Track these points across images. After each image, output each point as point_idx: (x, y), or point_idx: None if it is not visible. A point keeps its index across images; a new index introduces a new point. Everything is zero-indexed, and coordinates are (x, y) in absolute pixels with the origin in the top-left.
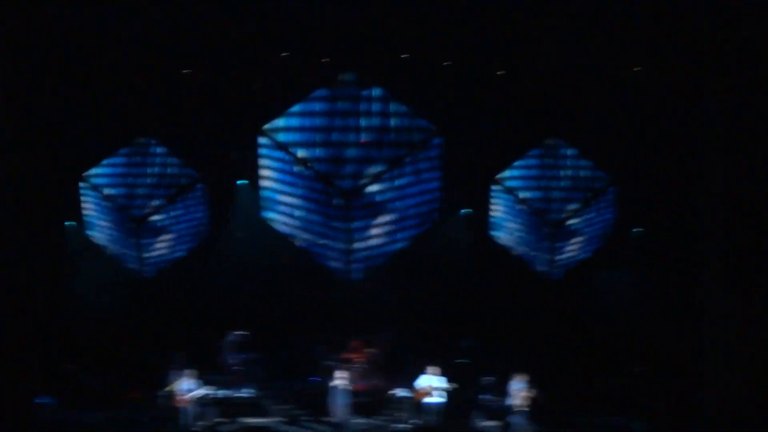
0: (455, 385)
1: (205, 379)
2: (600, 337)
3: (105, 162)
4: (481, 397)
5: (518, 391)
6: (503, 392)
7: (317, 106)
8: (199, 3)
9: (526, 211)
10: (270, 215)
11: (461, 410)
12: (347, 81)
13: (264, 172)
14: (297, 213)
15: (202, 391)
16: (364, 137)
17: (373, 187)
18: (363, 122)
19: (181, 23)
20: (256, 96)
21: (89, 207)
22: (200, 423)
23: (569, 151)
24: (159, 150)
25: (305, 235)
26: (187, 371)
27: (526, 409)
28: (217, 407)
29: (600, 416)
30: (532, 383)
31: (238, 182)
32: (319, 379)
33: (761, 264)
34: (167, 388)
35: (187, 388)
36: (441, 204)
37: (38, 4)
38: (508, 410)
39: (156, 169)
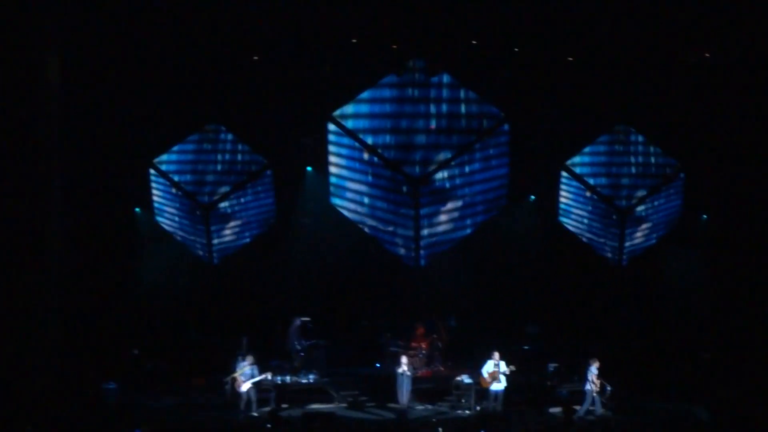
0: (513, 368)
1: (266, 365)
2: (667, 324)
3: (174, 149)
4: (549, 383)
5: (593, 376)
6: (570, 378)
7: (386, 93)
8: None
9: (594, 198)
10: (338, 202)
11: (524, 396)
12: (416, 67)
13: (332, 159)
14: (365, 200)
15: (261, 377)
16: (432, 124)
17: (441, 174)
18: (432, 109)
19: (251, 10)
20: (325, 83)
21: (158, 193)
22: (261, 408)
23: (638, 138)
24: (228, 137)
25: (373, 222)
26: (248, 357)
27: (598, 393)
28: (278, 393)
29: (665, 402)
30: (602, 369)
31: (307, 169)
32: (379, 366)
33: None
34: (231, 375)
35: (249, 373)
36: (509, 190)
37: None
38: (585, 394)
39: (225, 156)
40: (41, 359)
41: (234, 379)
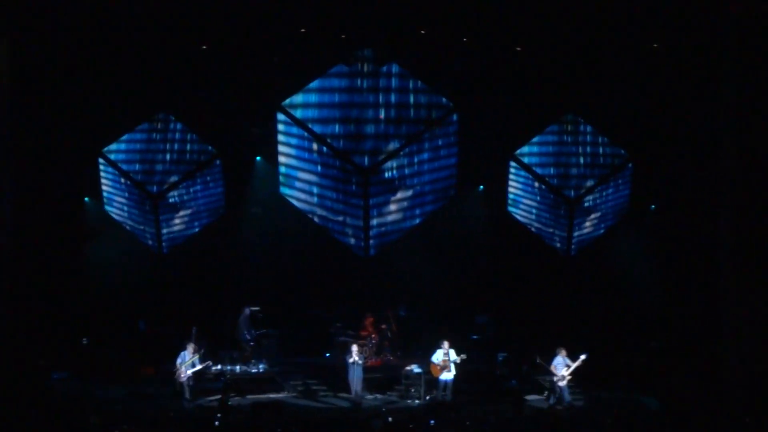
0: (464, 356)
1: (216, 355)
2: (615, 314)
3: (123, 138)
4: (498, 373)
5: (563, 366)
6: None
7: (335, 83)
8: None
9: (542, 188)
10: (287, 191)
11: (474, 385)
12: (365, 57)
13: (282, 149)
14: (314, 189)
15: (201, 366)
16: (381, 114)
17: (390, 164)
18: (380, 99)
19: None
20: (274, 72)
21: (108, 183)
22: (207, 398)
23: (587, 128)
24: (177, 126)
25: (322, 212)
26: (189, 345)
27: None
28: (227, 382)
29: (614, 392)
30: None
31: (256, 158)
32: (329, 355)
33: None
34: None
35: (189, 362)
36: (458, 180)
37: None
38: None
39: (174, 146)
40: None
41: (176, 368)
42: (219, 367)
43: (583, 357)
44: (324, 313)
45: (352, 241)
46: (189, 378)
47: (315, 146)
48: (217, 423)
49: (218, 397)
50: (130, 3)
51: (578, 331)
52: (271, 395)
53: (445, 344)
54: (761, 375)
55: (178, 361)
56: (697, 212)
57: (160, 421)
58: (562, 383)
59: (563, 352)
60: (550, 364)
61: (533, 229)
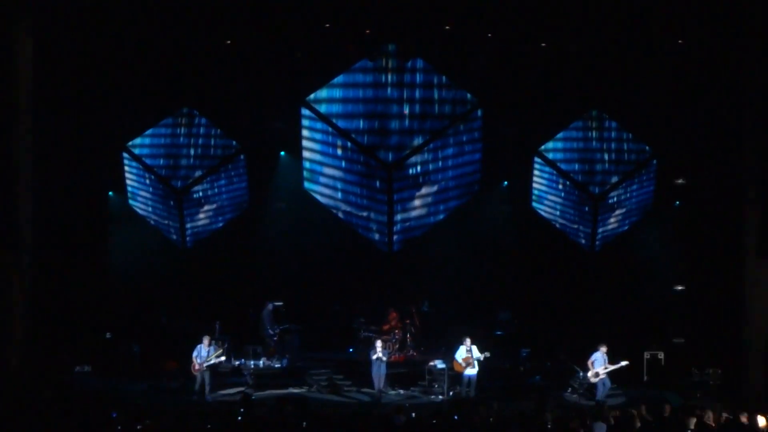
0: (487, 354)
1: (239, 349)
2: (639, 310)
3: (148, 132)
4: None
5: (601, 362)
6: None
7: (360, 78)
8: None
9: (567, 184)
10: (311, 187)
11: (497, 381)
12: (389, 52)
13: (306, 144)
14: (338, 185)
15: (215, 360)
16: (405, 109)
17: (415, 159)
18: (405, 94)
19: None
20: (299, 67)
21: (132, 177)
22: (225, 391)
23: (611, 124)
24: (201, 121)
25: (346, 207)
26: (204, 338)
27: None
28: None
29: (636, 387)
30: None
31: (281, 153)
32: (352, 351)
33: None
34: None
35: (204, 355)
36: (482, 176)
37: None
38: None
39: (198, 141)
40: (14, 343)
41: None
42: (242, 361)
43: (623, 363)
44: (347, 308)
45: (376, 236)
46: (204, 371)
47: (339, 142)
48: (240, 418)
49: (241, 390)
50: None
51: (601, 326)
52: (295, 390)
53: (467, 341)
54: None
55: (194, 354)
56: (721, 209)
57: (182, 416)
58: (595, 380)
59: (604, 349)
60: (588, 358)
61: (557, 225)
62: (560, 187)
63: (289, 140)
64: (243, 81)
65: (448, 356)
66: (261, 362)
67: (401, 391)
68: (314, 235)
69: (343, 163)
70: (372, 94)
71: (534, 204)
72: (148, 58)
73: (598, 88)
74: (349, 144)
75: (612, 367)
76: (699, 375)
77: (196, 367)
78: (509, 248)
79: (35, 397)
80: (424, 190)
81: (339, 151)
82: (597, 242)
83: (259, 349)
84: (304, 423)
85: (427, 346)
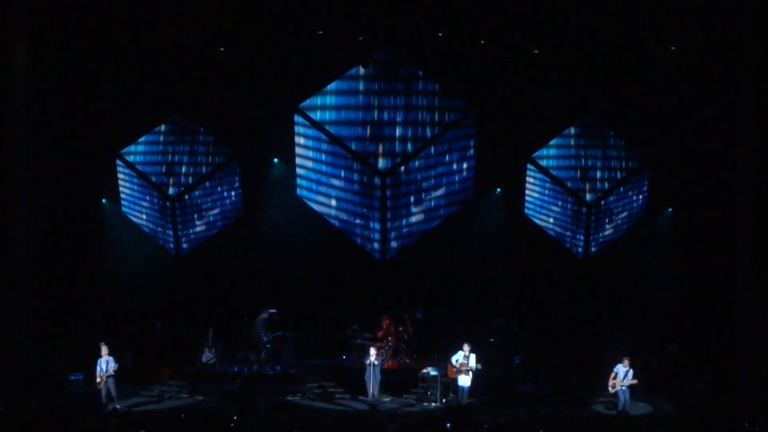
0: (479, 366)
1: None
2: (631, 317)
3: (141, 140)
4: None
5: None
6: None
7: (353, 85)
8: None
9: (560, 191)
10: (305, 194)
11: (490, 388)
12: (382, 59)
13: (299, 151)
14: (332, 192)
15: (109, 371)
16: (399, 116)
17: (408, 166)
18: (398, 101)
19: (218, 1)
20: (292, 74)
21: (125, 184)
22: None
23: (604, 131)
24: (195, 128)
25: (339, 214)
26: (103, 347)
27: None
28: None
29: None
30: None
31: (274, 160)
32: (345, 358)
33: None
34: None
35: (104, 367)
36: (475, 183)
37: None
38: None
39: (192, 148)
40: (7, 351)
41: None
42: (235, 368)
43: (634, 382)
44: (341, 315)
45: (370, 243)
46: (106, 381)
47: (332, 149)
48: (232, 425)
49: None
50: (147, 5)
51: (594, 333)
52: (288, 397)
53: (466, 347)
54: None
55: (97, 368)
56: (714, 215)
57: (174, 423)
58: (613, 390)
59: (626, 362)
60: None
61: (550, 232)
62: (553, 194)
63: (283, 147)
64: (236, 88)
65: (442, 363)
66: (254, 369)
67: (394, 399)
68: (308, 242)
69: (336, 170)
70: (365, 101)
71: (527, 211)
72: (141, 66)
73: (591, 95)
74: (342, 151)
75: (630, 381)
76: (691, 382)
77: (98, 379)
78: (502, 255)
79: (23, 408)
80: (417, 197)
81: (332, 159)
82: (590, 249)
83: (252, 356)
84: (296, 431)
85: (420, 353)
